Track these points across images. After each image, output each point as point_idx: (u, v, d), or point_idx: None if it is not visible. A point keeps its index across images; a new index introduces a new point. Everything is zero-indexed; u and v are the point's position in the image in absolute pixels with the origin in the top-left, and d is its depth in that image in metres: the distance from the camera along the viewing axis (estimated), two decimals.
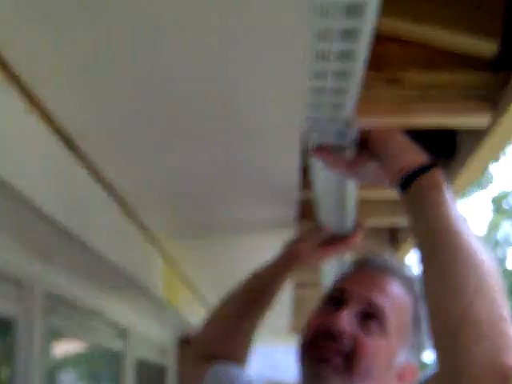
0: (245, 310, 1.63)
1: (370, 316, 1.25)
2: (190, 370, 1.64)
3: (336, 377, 1.20)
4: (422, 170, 1.11)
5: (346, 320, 1.24)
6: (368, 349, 1.23)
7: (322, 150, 1.32)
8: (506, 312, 0.93)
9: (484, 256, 0.99)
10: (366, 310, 1.26)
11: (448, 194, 1.07)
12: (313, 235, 1.64)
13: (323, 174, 1.47)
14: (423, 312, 1.16)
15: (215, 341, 1.64)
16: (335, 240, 1.67)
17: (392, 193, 1.13)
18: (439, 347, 0.98)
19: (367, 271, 1.30)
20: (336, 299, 1.29)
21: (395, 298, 1.25)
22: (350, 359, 1.21)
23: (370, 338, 1.23)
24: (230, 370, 1.53)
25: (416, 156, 1.14)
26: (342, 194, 1.58)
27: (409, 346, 1.23)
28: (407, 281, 1.28)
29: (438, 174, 1.09)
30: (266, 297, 1.65)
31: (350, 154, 1.36)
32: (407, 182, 1.12)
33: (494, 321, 0.92)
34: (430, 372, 1.15)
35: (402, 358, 1.21)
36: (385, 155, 1.20)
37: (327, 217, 1.70)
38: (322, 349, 1.23)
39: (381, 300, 1.26)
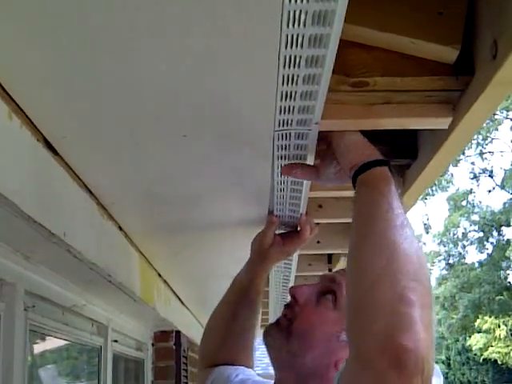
0: (234, 317, 1.78)
1: (330, 291, 1.39)
2: (199, 377, 1.82)
3: (278, 335, 1.42)
4: (369, 165, 1.19)
5: (304, 292, 1.43)
6: (308, 316, 1.36)
7: (289, 167, 1.49)
8: (413, 296, 0.93)
9: (407, 245, 1.00)
10: (328, 286, 1.41)
11: (388, 187, 1.12)
12: (270, 227, 1.76)
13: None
14: None
15: (213, 350, 1.80)
16: (291, 234, 1.80)
17: None
18: (347, 327, 1.02)
19: None
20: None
21: None
22: (292, 322, 1.40)
23: (317, 308, 1.40)
24: (224, 372, 1.68)
25: (365, 153, 1.24)
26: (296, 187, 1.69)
27: None
28: None
29: (384, 169, 1.18)
30: (250, 300, 1.78)
31: (311, 159, 1.47)
32: (356, 176, 1.21)
33: (394, 303, 0.93)
34: None
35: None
36: (340, 155, 1.34)
37: (279, 208, 1.80)
38: (281, 314, 1.46)
39: (342, 278, 1.37)
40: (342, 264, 3.01)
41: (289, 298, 1.50)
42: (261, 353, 13.29)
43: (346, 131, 1.37)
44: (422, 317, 0.92)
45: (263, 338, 1.47)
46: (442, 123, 1.45)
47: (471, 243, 26.90)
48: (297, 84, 1.20)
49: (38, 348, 2.27)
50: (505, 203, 25.21)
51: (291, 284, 2.78)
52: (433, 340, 0.95)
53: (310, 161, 1.52)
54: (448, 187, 26.76)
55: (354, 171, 1.21)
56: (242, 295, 1.79)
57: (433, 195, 26.93)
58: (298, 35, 1.05)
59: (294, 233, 1.86)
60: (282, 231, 1.92)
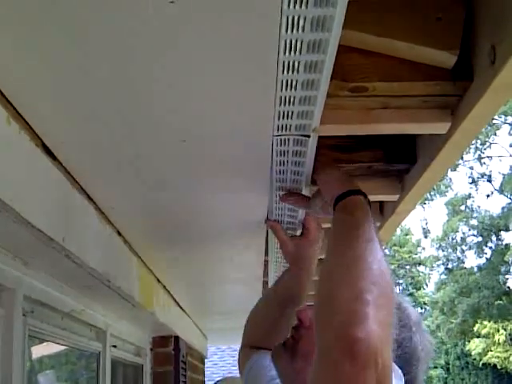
0: (281, 315, 1.91)
1: None
2: (241, 354, 1.96)
3: (284, 354, 1.50)
4: (347, 194, 1.32)
5: (309, 315, 1.47)
6: (312, 337, 1.37)
7: (286, 196, 1.67)
8: (369, 297, 1.04)
9: (370, 257, 1.13)
10: None
11: (361, 211, 1.26)
12: (278, 233, 1.80)
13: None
14: None
15: (258, 337, 1.93)
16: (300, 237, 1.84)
17: None
18: (314, 321, 1.15)
19: None
20: None
21: None
22: (297, 342, 1.47)
23: None
24: (263, 362, 1.79)
25: (344, 185, 1.36)
26: None
27: None
28: None
29: (359, 198, 1.30)
30: (298, 300, 1.87)
31: (310, 166, 1.49)
32: (335, 205, 1.34)
33: (350, 301, 1.04)
34: None
35: None
36: (323, 190, 1.48)
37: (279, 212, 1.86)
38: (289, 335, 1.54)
39: None
40: None
41: (296, 321, 1.54)
42: None
43: (327, 167, 1.50)
44: (376, 315, 1.01)
45: (272, 357, 1.57)
46: (441, 128, 1.45)
47: (470, 248, 26.87)
48: (295, 89, 1.20)
49: (37, 353, 2.26)
50: (503, 208, 25.21)
51: None
52: (389, 339, 1.04)
53: (309, 166, 1.52)
54: (447, 192, 26.80)
55: (334, 201, 1.34)
56: (290, 300, 1.88)
57: (431, 200, 27.00)
58: (296, 41, 1.05)
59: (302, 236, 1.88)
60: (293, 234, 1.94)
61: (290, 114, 1.29)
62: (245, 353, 1.94)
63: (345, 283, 1.10)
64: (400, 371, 1.18)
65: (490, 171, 29.23)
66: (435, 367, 27.16)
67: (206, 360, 7.03)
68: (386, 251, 30.05)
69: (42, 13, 0.97)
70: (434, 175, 1.70)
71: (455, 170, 24.64)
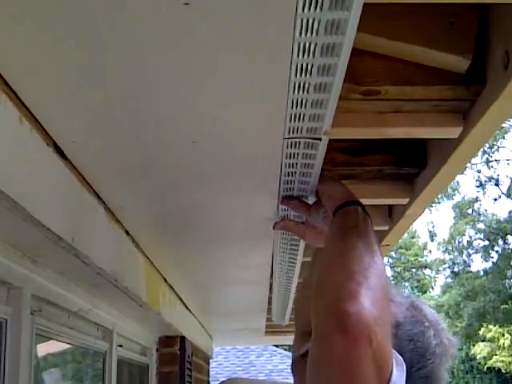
0: None
1: None
2: None
3: (301, 365, 1.39)
4: (345, 205, 1.36)
5: None
6: None
7: (287, 198, 1.69)
8: (362, 279, 1.08)
9: (363, 250, 1.18)
10: None
11: (358, 217, 1.31)
12: (291, 229, 1.81)
13: None
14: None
15: None
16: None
17: None
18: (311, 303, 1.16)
19: None
20: None
21: None
22: None
23: None
24: None
25: (343, 197, 1.40)
26: None
27: None
28: None
29: (357, 207, 1.34)
30: None
31: (318, 170, 1.49)
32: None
33: (344, 280, 1.08)
34: None
35: None
36: (325, 203, 1.51)
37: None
38: None
39: None
40: None
41: None
42: (265, 359, 13.32)
43: (328, 179, 1.53)
44: (369, 294, 1.04)
45: (291, 368, 1.52)
46: (452, 132, 1.45)
47: (476, 251, 26.81)
48: (308, 92, 1.20)
49: (44, 351, 2.27)
50: (510, 212, 25.15)
51: (297, 270, 2.72)
52: (385, 321, 1.07)
53: (318, 170, 1.52)
54: (454, 195, 26.75)
55: (334, 211, 1.39)
56: None
57: (438, 203, 26.94)
58: (310, 43, 1.05)
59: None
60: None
61: (301, 116, 1.29)
62: None
63: (337, 267, 1.15)
64: (401, 358, 1.17)
65: (498, 175, 29.11)
66: None
67: (210, 360, 7.02)
68: (392, 254, 30.03)
69: (54, 12, 0.97)
70: (444, 179, 1.70)
71: (463, 174, 24.56)
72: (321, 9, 0.96)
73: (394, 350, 1.09)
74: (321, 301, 1.10)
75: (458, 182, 25.88)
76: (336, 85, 1.18)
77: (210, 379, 6.95)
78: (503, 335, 22.98)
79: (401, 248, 30.43)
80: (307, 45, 1.05)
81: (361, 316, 0.99)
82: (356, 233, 1.24)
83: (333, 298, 1.06)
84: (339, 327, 0.99)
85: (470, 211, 26.71)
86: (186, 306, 4.10)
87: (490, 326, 23.28)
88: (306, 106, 1.25)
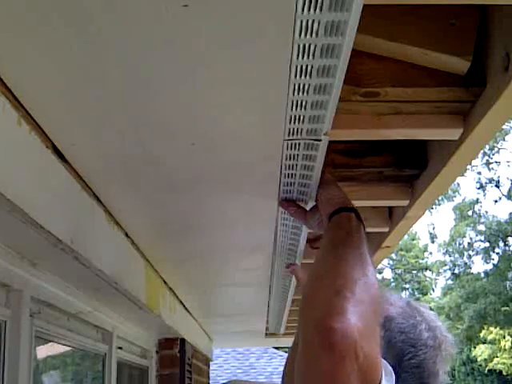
0: None
1: None
2: None
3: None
4: (339, 211, 1.37)
5: None
6: None
7: (287, 202, 1.71)
8: (349, 294, 1.08)
9: (352, 260, 1.19)
10: None
11: (350, 224, 1.32)
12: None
13: None
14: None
15: None
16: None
17: None
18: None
19: None
20: None
21: None
22: None
23: None
24: None
25: (338, 202, 1.41)
26: None
27: None
28: None
29: (350, 214, 1.35)
30: None
31: (318, 171, 1.49)
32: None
33: (331, 296, 1.08)
34: None
35: None
36: (320, 207, 1.53)
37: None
38: None
39: None
40: None
41: None
42: (265, 361, 13.31)
43: (324, 183, 1.54)
44: (355, 310, 1.05)
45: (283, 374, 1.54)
46: (453, 134, 1.45)
47: (477, 253, 26.77)
48: (308, 93, 1.20)
49: (43, 353, 2.26)
50: (511, 213, 25.12)
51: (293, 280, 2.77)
52: (373, 334, 1.08)
53: (318, 172, 1.51)
54: (454, 197, 26.72)
55: (329, 217, 1.40)
56: None
57: (439, 205, 26.91)
58: (310, 45, 1.04)
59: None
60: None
61: (301, 118, 1.29)
62: None
63: (326, 281, 1.16)
64: (390, 368, 1.18)
65: (498, 176, 29.13)
66: None
67: (211, 362, 7.01)
68: (393, 255, 29.99)
69: (54, 14, 0.96)
70: (445, 181, 1.69)
71: (463, 175, 24.54)
72: (321, 10, 0.95)
73: (383, 360, 1.11)
74: (308, 314, 1.12)
75: (458, 184, 25.86)
76: (336, 86, 1.18)
77: (210, 381, 6.94)
78: (504, 337, 22.96)
79: (401, 250, 30.42)
80: (307, 46, 1.05)
81: (346, 332, 1.00)
82: (348, 243, 1.25)
83: (319, 313, 1.06)
84: (325, 344, 1.00)
85: (470, 213, 26.68)
86: (186, 308, 4.10)
87: (491, 328, 23.27)
88: (305, 108, 1.25)
